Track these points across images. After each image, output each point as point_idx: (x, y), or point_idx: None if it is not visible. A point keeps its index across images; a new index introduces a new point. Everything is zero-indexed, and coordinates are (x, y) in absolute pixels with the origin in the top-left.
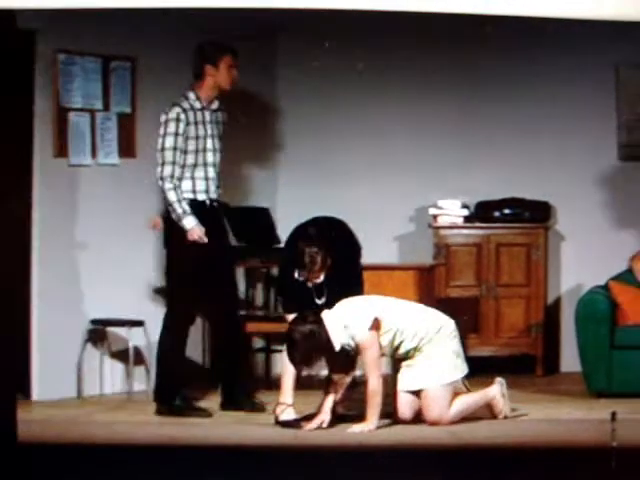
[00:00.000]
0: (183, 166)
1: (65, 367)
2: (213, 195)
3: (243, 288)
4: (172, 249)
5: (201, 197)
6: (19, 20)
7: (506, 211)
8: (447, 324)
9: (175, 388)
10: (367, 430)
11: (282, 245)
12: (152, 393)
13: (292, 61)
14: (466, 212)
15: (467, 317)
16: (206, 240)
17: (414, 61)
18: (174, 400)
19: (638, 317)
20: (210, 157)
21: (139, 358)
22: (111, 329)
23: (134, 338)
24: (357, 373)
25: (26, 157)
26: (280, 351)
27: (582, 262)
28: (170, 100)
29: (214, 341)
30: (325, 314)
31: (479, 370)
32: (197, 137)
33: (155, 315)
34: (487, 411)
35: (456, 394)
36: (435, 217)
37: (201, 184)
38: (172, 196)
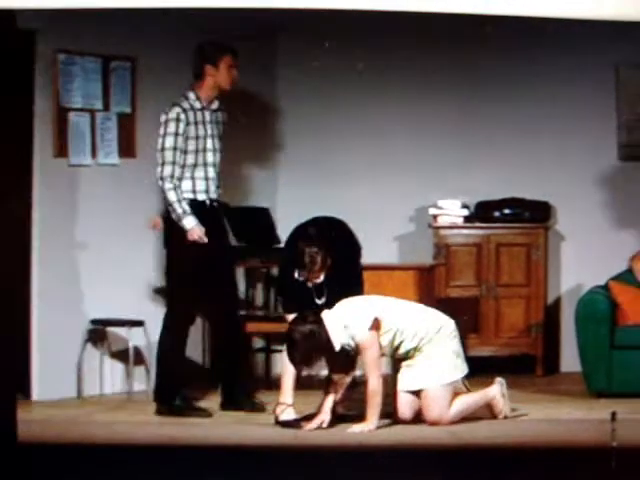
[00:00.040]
0: (183, 166)
1: (65, 367)
2: (213, 195)
3: (243, 288)
4: (172, 249)
5: (201, 197)
6: (19, 20)
7: (506, 211)
8: (447, 324)
9: (175, 388)
10: (367, 430)
11: (282, 245)
12: (152, 393)
13: (292, 61)
14: (466, 212)
15: (467, 317)
16: (206, 240)
17: (414, 61)
18: (174, 400)
19: (638, 317)
20: (210, 157)
21: (139, 358)
22: (111, 329)
23: (134, 338)
24: (357, 373)
25: (26, 157)
26: (280, 351)
27: (582, 262)
28: (170, 100)
29: (214, 341)
30: (325, 314)
31: (479, 370)
32: (197, 137)
33: (155, 315)
34: (487, 411)
35: (456, 394)
36: (435, 217)
37: (201, 184)
38: (172, 196)
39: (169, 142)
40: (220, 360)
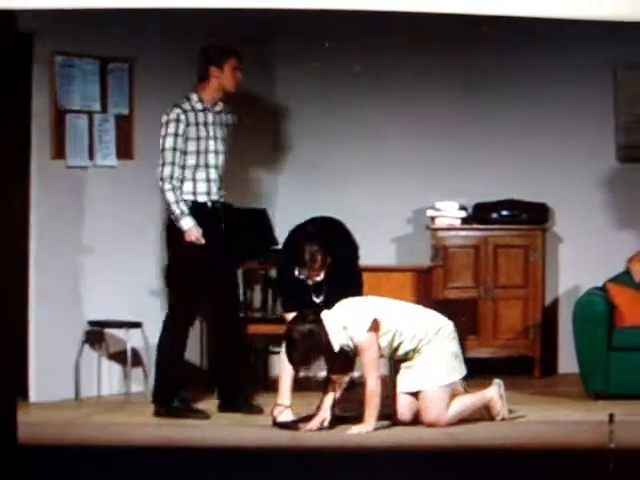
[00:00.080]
0: (183, 167)
1: (63, 369)
2: (215, 197)
3: (241, 290)
4: (173, 249)
5: (202, 199)
6: (17, 21)
7: (504, 213)
8: (446, 325)
9: (174, 389)
10: (365, 431)
11: (280, 247)
12: (150, 394)
13: (291, 63)
14: (464, 214)
15: (465, 319)
16: (203, 241)
17: (412, 62)
18: (172, 402)
19: (635, 319)
20: (212, 159)
21: (137, 360)
22: (109, 331)
23: (132, 340)
24: (355, 374)
25: (24, 158)
26: (278, 353)
27: (580, 264)
28: (168, 102)
29: (213, 343)
30: (325, 314)
31: (477, 371)
32: (198, 138)
33: (153, 317)
34: (485, 413)
35: (453, 396)
36: (433, 219)
37: (202, 186)
38: (170, 197)
39: (169, 143)
40: (218, 362)
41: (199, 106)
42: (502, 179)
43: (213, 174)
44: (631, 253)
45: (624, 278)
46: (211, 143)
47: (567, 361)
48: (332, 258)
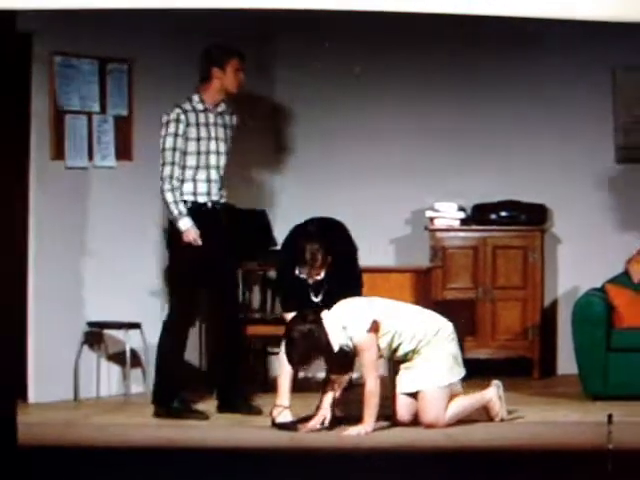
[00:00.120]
0: (184, 167)
1: (62, 369)
2: (215, 197)
3: (240, 291)
4: (172, 250)
5: (202, 199)
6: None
7: (503, 214)
8: (445, 327)
9: (173, 390)
10: (364, 432)
11: (279, 247)
12: (150, 395)
13: (291, 63)
14: (463, 215)
15: (464, 320)
16: (200, 242)
17: (412, 63)
18: (172, 402)
19: (634, 320)
20: (213, 159)
21: (136, 360)
22: (108, 331)
23: (131, 340)
24: (354, 375)
25: (23, 159)
26: (277, 354)
27: (579, 265)
28: (167, 102)
29: (212, 343)
30: (324, 314)
31: (476, 372)
32: (198, 139)
33: (152, 317)
34: (484, 413)
35: (452, 396)
36: (432, 220)
37: (202, 186)
38: (169, 197)
39: (168, 143)
40: (218, 363)
41: (200, 107)
42: (501, 180)
43: (214, 175)
44: (630, 254)
45: (623, 279)
46: (212, 144)
47: (566, 362)
48: (332, 258)
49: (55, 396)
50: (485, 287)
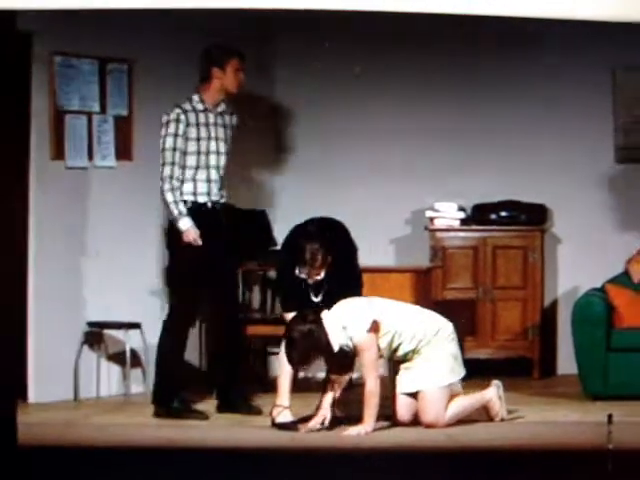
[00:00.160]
0: (184, 167)
1: (62, 369)
2: (215, 197)
3: (240, 291)
4: (173, 250)
5: (202, 199)
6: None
7: (503, 214)
8: (445, 327)
9: (173, 390)
10: (364, 432)
11: (279, 247)
12: (150, 395)
13: (291, 63)
14: (463, 215)
15: (464, 320)
16: (200, 242)
17: (412, 63)
18: (172, 402)
19: (634, 320)
20: (213, 160)
21: (136, 360)
22: (108, 331)
23: (131, 340)
24: (354, 375)
25: (23, 159)
26: (276, 354)
27: (579, 265)
28: (167, 103)
29: (212, 343)
30: (324, 314)
31: (476, 372)
32: (198, 139)
33: (152, 317)
34: (484, 413)
35: (452, 397)
36: (432, 220)
37: (202, 186)
38: (169, 197)
39: (168, 143)
40: (218, 363)
41: (200, 106)
42: (501, 180)
43: (214, 175)
44: (630, 254)
45: (623, 279)
46: (212, 144)
47: (566, 362)
48: (332, 258)
49: (55, 396)
50: (485, 287)
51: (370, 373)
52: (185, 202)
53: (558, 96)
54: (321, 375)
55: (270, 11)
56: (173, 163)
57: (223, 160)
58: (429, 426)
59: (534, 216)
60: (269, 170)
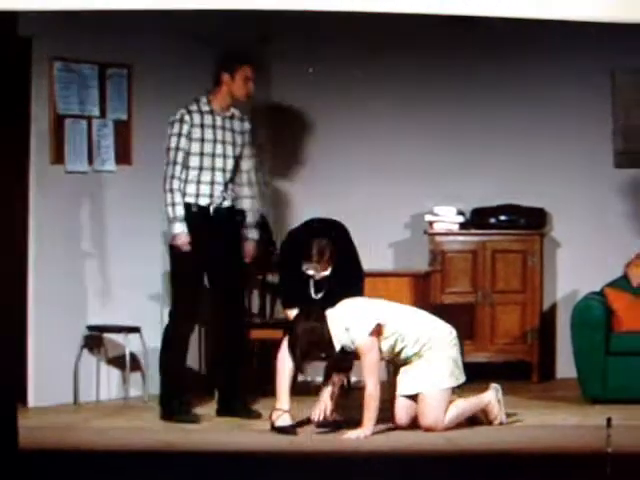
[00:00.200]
0: (187, 168)
1: (61, 373)
2: (218, 200)
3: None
4: (174, 253)
5: (204, 201)
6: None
7: (502, 218)
8: (448, 332)
9: (177, 394)
10: (363, 436)
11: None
12: (149, 398)
13: (291, 63)
14: (462, 219)
15: (463, 324)
16: (189, 248)
17: (411, 64)
18: (176, 405)
19: (633, 324)
20: (219, 162)
21: (135, 364)
22: (107, 335)
23: (130, 344)
24: (354, 379)
25: (23, 163)
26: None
27: (578, 268)
28: (167, 107)
29: (215, 347)
30: (328, 313)
31: (475, 376)
32: (203, 140)
33: (151, 321)
34: (482, 417)
35: (450, 401)
36: (431, 224)
37: (205, 188)
38: (168, 198)
39: (172, 143)
40: (218, 367)
41: (206, 108)
42: (500, 184)
43: (219, 177)
44: (629, 258)
45: (622, 283)
46: (218, 146)
47: (565, 366)
48: (337, 254)
49: (55, 400)
50: (484, 291)
51: (370, 376)
52: (187, 204)
53: (557, 99)
54: (320, 379)
55: (270, 11)
56: (175, 163)
57: (230, 163)
58: (428, 429)
59: (533, 220)
60: (267, 174)
